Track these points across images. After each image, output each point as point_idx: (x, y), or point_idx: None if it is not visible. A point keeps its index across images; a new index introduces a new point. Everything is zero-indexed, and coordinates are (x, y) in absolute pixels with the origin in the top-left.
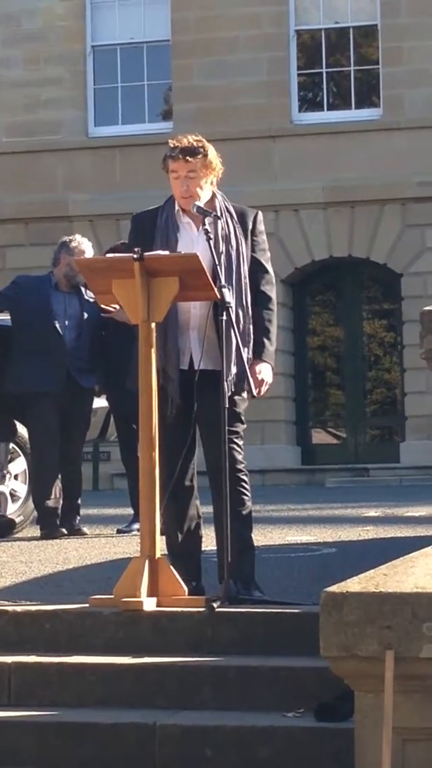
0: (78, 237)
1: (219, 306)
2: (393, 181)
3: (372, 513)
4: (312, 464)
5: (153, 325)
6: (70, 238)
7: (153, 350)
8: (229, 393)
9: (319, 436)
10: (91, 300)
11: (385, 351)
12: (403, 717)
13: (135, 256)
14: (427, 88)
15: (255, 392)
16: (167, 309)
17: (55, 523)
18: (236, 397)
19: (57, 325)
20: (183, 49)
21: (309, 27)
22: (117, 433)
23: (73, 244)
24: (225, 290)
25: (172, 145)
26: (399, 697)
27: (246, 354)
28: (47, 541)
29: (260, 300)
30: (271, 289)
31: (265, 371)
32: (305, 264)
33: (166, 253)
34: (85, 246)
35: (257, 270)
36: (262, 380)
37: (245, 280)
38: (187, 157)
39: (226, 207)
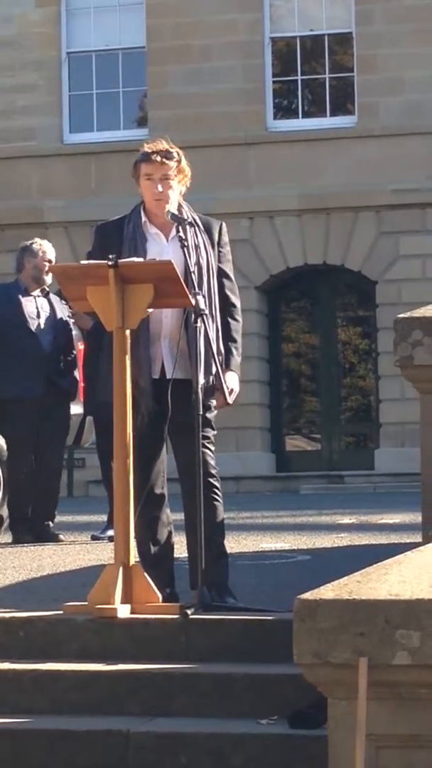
0: (38, 240)
1: (192, 313)
2: (368, 188)
3: (346, 520)
4: (286, 471)
5: (127, 332)
6: (30, 241)
7: (127, 357)
8: (202, 400)
9: (293, 443)
10: (66, 307)
11: (360, 358)
12: (377, 724)
13: (110, 262)
14: (402, 95)
15: (228, 400)
16: (142, 316)
17: (26, 528)
18: (207, 403)
19: (33, 329)
20: (158, 56)
21: (284, 34)
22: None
23: (35, 246)
24: (199, 297)
25: (146, 149)
26: (372, 705)
27: (217, 362)
28: (21, 548)
29: (228, 310)
30: (237, 300)
31: (231, 380)
32: (280, 271)
33: (141, 260)
34: (46, 247)
35: (224, 280)
36: (231, 390)
37: (215, 290)
38: (163, 160)
39: (193, 217)
